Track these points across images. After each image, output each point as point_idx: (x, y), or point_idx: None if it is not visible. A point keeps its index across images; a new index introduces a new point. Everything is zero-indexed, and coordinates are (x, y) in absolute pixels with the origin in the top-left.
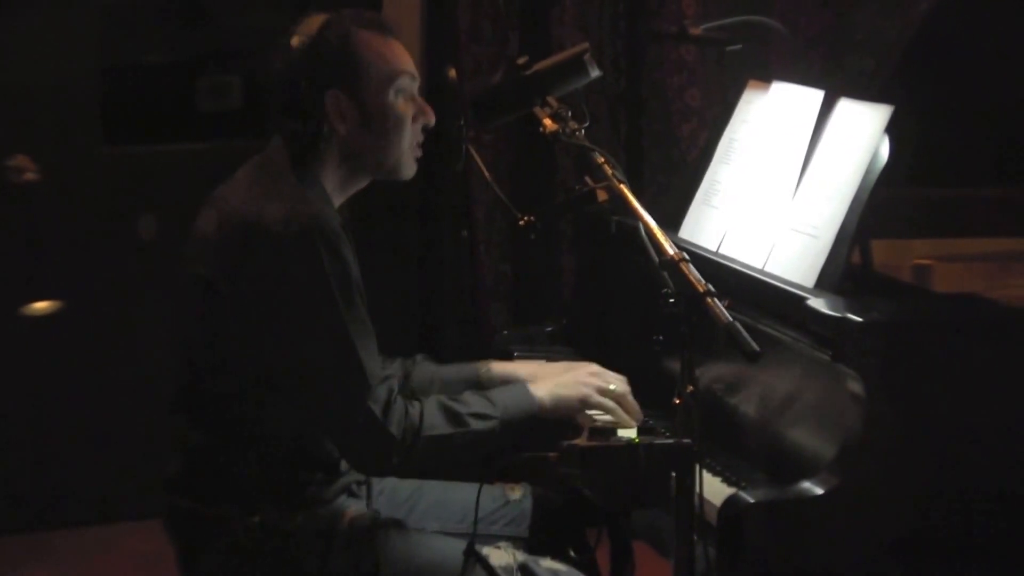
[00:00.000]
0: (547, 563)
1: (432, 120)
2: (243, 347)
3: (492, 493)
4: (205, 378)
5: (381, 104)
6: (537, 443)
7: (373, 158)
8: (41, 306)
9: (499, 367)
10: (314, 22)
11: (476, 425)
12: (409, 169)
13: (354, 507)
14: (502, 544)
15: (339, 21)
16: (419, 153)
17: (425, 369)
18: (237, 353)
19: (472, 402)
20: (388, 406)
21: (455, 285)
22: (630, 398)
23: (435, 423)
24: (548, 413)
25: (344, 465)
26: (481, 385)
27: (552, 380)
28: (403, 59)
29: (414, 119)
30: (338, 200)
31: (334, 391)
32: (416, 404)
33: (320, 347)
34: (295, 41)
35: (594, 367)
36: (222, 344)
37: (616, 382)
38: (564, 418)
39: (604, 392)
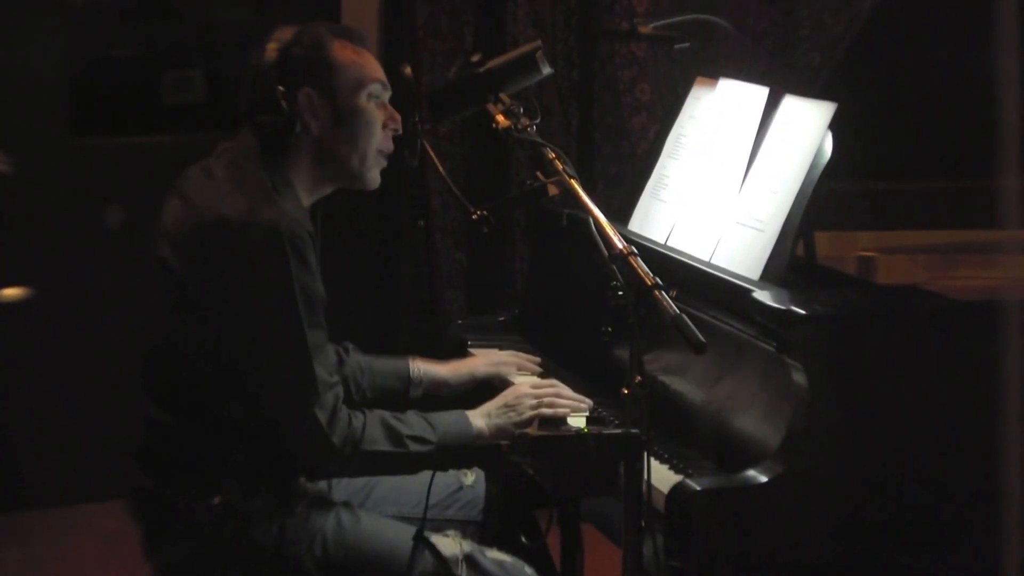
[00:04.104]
0: (493, 554)
1: (401, 128)
2: (205, 337)
3: (446, 479)
4: (169, 362)
5: (353, 105)
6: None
7: (343, 158)
8: (9, 293)
9: (425, 365)
10: (288, 30)
11: (413, 447)
12: (374, 178)
13: (311, 490)
14: (450, 532)
15: (313, 29)
16: (384, 163)
17: (356, 359)
18: (199, 342)
19: (414, 424)
20: (334, 415)
21: (412, 274)
22: (562, 387)
23: (375, 438)
24: (486, 441)
25: None
26: (410, 380)
27: (487, 409)
28: (375, 68)
29: (384, 125)
30: (307, 201)
31: (284, 394)
32: (360, 416)
33: (276, 350)
34: (270, 46)
35: (521, 388)
36: (186, 331)
37: (545, 386)
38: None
39: (540, 398)
